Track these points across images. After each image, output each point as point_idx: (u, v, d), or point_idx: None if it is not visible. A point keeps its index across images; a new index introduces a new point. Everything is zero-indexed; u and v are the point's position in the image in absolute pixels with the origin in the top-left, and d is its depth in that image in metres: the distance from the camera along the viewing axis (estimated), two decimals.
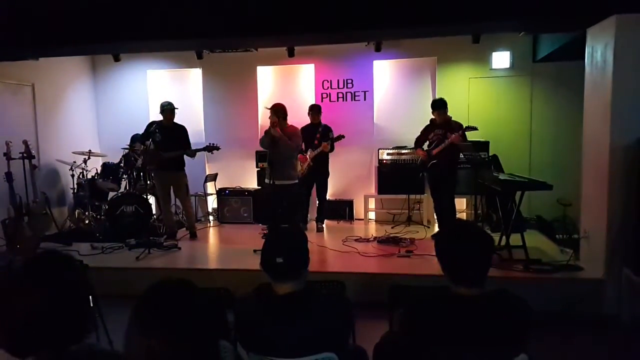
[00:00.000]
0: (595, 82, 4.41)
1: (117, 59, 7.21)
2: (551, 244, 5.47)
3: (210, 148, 5.93)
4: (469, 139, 5.64)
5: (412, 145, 6.16)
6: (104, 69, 7.83)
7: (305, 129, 6.52)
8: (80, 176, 6.66)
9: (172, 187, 6.12)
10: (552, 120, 6.72)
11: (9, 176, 5.31)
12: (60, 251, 1.46)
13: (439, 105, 5.63)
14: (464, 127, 5.49)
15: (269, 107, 5.44)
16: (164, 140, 5.93)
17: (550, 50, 6.01)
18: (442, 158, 5.58)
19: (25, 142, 5.61)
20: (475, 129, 5.48)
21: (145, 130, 6.20)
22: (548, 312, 3.77)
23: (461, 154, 5.75)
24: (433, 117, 5.75)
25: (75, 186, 6.68)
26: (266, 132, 5.35)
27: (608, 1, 4.03)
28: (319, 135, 6.40)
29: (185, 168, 6.17)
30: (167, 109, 5.95)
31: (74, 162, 6.61)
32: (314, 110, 6.54)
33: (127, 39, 4.93)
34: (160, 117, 6.10)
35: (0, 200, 5.44)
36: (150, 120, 6.15)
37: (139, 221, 6.06)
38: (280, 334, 1.80)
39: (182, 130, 6.10)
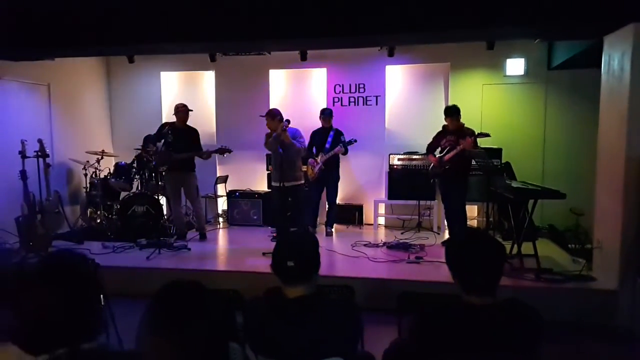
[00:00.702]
0: (612, 91, 4.35)
1: (131, 61, 7.27)
2: (563, 254, 5.41)
3: (222, 150, 5.97)
4: (482, 146, 5.60)
5: (424, 151, 6.14)
6: (118, 70, 7.91)
7: (316, 132, 6.55)
8: (93, 175, 6.72)
9: (182, 188, 6.16)
10: (566, 128, 6.64)
11: (23, 174, 5.37)
12: (73, 250, 1.47)
13: (451, 112, 5.59)
14: (477, 133, 5.45)
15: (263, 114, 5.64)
16: (176, 141, 5.97)
17: (566, 58, 5.95)
18: (453, 164, 5.54)
19: (40, 141, 5.68)
20: (487, 135, 5.44)
21: (158, 131, 6.25)
22: (559, 322, 3.73)
23: (473, 161, 5.70)
24: (445, 123, 5.73)
25: (88, 185, 6.74)
26: (274, 136, 5.39)
27: (626, 9, 3.98)
28: (331, 139, 6.41)
29: (196, 170, 6.21)
30: (181, 111, 6.01)
31: (87, 161, 6.68)
32: (325, 114, 6.55)
33: (141, 41, 4.97)
34: (173, 119, 6.15)
35: (15, 198, 5.50)
36: (163, 122, 6.21)
37: (150, 221, 6.11)
38: (289, 337, 1.79)
39: (193, 132, 6.15)
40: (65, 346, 1.25)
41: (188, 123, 6.15)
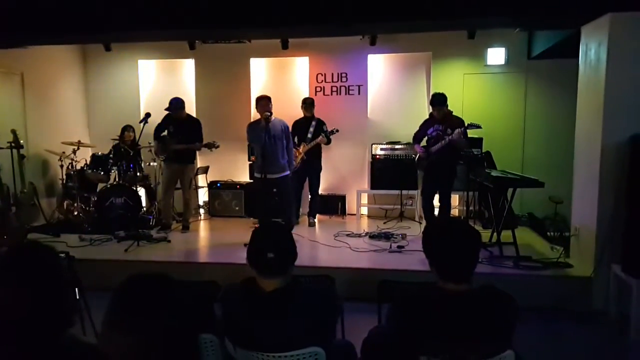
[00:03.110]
0: (589, 80, 4.40)
1: (108, 49, 7.14)
2: (542, 241, 5.49)
3: (210, 145, 5.98)
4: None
5: (406, 141, 6.11)
6: (95, 59, 7.72)
7: (298, 122, 6.49)
8: (69, 167, 6.57)
9: (179, 180, 6.13)
10: (545, 117, 6.71)
11: None
12: (41, 243, 1.42)
13: (436, 102, 5.32)
14: (467, 124, 5.16)
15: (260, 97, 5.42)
16: (177, 132, 5.95)
17: (545, 48, 6.00)
18: (442, 156, 5.31)
19: (13, 132, 5.53)
20: (479, 127, 5.17)
21: (162, 121, 6.09)
22: (538, 308, 3.80)
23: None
24: (432, 112, 5.55)
25: (64, 177, 6.59)
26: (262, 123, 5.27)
27: None
28: (313, 129, 6.37)
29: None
30: (172, 107, 5.91)
31: (63, 152, 6.52)
32: (307, 103, 6.50)
33: (118, 28, 4.85)
34: (152, 108, 6.05)
35: None
36: (146, 112, 6.10)
37: (128, 213, 6.01)
38: (267, 331, 1.77)
39: (196, 123, 6.13)
40: (33, 340, 1.21)
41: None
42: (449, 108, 5.45)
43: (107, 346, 1.05)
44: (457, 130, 5.12)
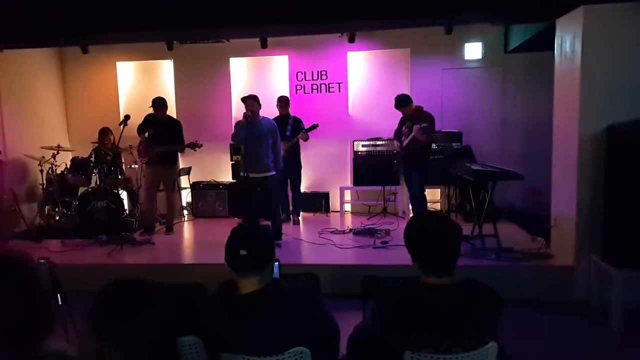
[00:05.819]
0: (565, 72, 4.48)
1: (85, 51, 7.04)
2: (523, 233, 5.57)
3: (193, 145, 5.95)
4: (444, 130, 5.65)
5: (387, 137, 6.20)
6: (72, 61, 7.61)
7: (275, 120, 6.46)
8: (50, 171, 6.48)
9: (162, 182, 6.10)
10: (524, 110, 6.79)
11: None
12: (15, 251, 1.38)
13: (398, 104, 5.67)
14: (421, 124, 5.35)
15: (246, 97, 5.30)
16: (158, 134, 5.90)
17: (522, 41, 6.08)
18: (411, 149, 5.59)
19: None
20: (426, 125, 5.37)
21: (142, 122, 6.04)
22: (520, 299, 3.86)
23: (434, 145, 5.76)
24: None
25: (45, 182, 6.50)
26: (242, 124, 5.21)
27: None
28: (290, 126, 6.38)
29: None
30: (156, 105, 5.88)
31: (43, 157, 6.43)
32: (282, 101, 6.52)
33: (94, 30, 4.79)
34: (130, 110, 5.99)
35: None
36: (125, 114, 6.04)
37: (110, 217, 5.94)
38: (248, 334, 1.75)
39: (176, 124, 6.09)
40: (6, 351, 1.19)
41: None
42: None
43: (86, 352, 1.04)
44: (415, 127, 5.38)
